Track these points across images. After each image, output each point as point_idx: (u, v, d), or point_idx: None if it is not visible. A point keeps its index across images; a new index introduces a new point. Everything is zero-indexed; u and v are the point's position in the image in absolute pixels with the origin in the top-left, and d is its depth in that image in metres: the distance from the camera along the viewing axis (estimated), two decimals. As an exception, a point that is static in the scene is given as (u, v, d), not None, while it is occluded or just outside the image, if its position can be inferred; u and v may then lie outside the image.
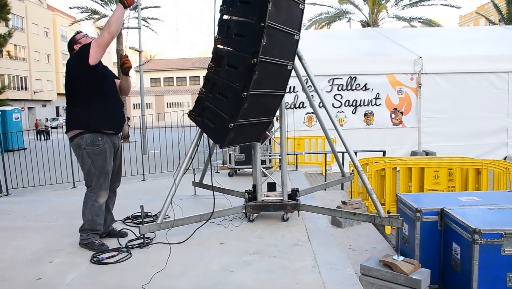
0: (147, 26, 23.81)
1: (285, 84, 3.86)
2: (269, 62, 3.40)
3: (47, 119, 31.30)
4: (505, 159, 9.56)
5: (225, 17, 3.45)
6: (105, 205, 3.63)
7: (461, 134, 9.43)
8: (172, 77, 51.92)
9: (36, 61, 45.04)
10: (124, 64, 3.64)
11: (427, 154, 9.17)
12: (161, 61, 54.61)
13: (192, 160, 3.92)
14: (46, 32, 47.52)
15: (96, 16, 23.52)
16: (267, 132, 4.54)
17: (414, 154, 9.29)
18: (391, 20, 20.49)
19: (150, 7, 23.51)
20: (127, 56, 3.71)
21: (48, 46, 47.71)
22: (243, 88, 3.34)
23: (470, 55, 9.64)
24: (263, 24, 3.17)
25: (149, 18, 23.90)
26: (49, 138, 24.96)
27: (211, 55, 3.58)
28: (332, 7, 20.85)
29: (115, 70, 19.50)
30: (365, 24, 19.99)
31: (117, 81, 3.77)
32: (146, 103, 41.82)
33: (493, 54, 9.73)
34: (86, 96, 3.42)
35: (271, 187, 4.40)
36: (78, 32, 3.71)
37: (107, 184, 3.52)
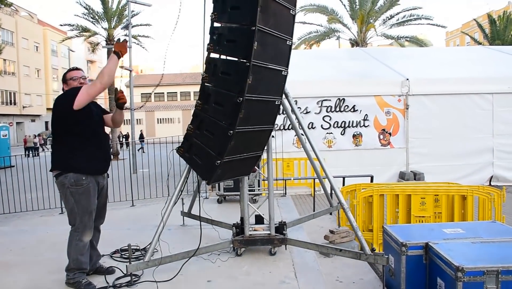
0: (138, 44, 23.89)
1: (273, 119, 3.91)
2: (255, 99, 3.46)
3: (35, 136, 31.01)
4: (491, 178, 9.71)
5: (212, 55, 3.51)
6: (90, 242, 3.63)
7: (449, 154, 9.55)
8: (163, 93, 52.01)
9: (25, 76, 44.85)
10: (119, 100, 3.67)
11: (415, 174, 9.26)
12: (152, 76, 54.66)
13: (182, 191, 3.94)
14: (37, 47, 47.42)
15: (87, 34, 23.56)
16: (255, 166, 4.57)
17: (402, 174, 9.38)
18: (380, 38, 20.76)
19: (141, 25, 23.61)
20: (123, 92, 3.74)
21: (38, 61, 47.57)
22: (229, 126, 3.38)
23: (455, 77, 9.82)
24: (248, 64, 3.22)
25: (139, 35, 24.02)
26: (38, 155, 24.73)
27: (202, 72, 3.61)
28: (321, 26, 21.11)
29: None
30: (354, 43, 20.26)
31: (106, 116, 3.78)
32: (136, 119, 41.83)
33: (477, 76, 9.92)
34: (71, 137, 3.43)
35: (259, 220, 4.43)
36: (71, 69, 3.71)
37: (91, 223, 3.52)
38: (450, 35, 58.72)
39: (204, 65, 3.49)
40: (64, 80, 3.64)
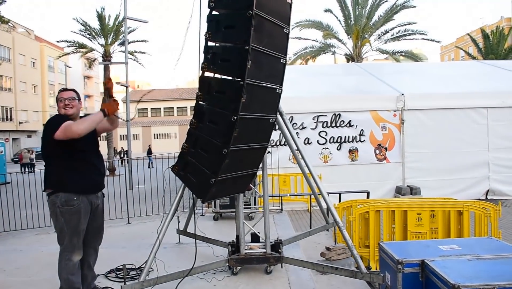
0: (134, 60, 24.02)
1: (268, 137, 3.92)
2: (250, 118, 3.47)
3: (31, 152, 30.89)
4: (487, 192, 9.72)
5: (206, 74, 3.53)
6: (86, 262, 3.60)
7: (445, 169, 9.57)
8: (160, 108, 52.11)
9: (22, 91, 44.91)
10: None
11: (411, 189, 9.26)
12: (149, 91, 54.84)
13: (176, 210, 3.92)
14: (33, 62, 47.59)
15: (84, 50, 23.69)
16: (250, 184, 4.56)
17: (399, 189, 9.38)
18: (375, 53, 21.01)
19: (137, 41, 23.81)
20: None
21: (35, 76, 47.70)
22: (223, 145, 3.38)
23: (450, 92, 9.90)
24: (242, 83, 3.24)
25: (136, 51, 24.14)
26: (34, 171, 24.63)
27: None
28: (317, 41, 21.34)
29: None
30: (349, 58, 20.45)
31: (103, 121, 3.77)
32: (133, 134, 41.91)
33: (472, 91, 10.00)
34: (62, 157, 3.43)
35: (255, 238, 4.41)
36: (61, 90, 3.72)
37: (80, 243, 3.49)
38: (445, 49, 59.32)
39: (199, 84, 3.50)
40: (56, 100, 3.66)
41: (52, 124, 3.45)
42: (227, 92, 3.37)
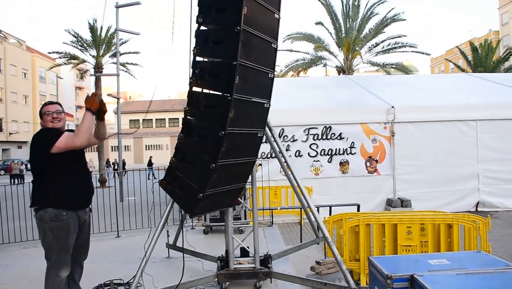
0: (126, 72, 24.01)
1: (256, 151, 3.92)
2: (238, 132, 3.46)
3: (22, 163, 30.61)
4: (477, 204, 9.76)
5: (194, 88, 3.52)
6: (71, 278, 3.54)
7: (435, 181, 9.60)
8: (151, 119, 51.99)
9: (13, 102, 44.65)
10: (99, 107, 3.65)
11: (402, 201, 9.28)
12: (140, 102, 54.76)
13: (167, 222, 3.88)
14: (25, 73, 47.42)
15: (75, 61, 23.63)
16: (239, 199, 4.55)
17: (389, 201, 9.39)
18: (366, 65, 21.19)
19: (129, 52, 23.78)
20: (104, 103, 3.71)
21: (26, 87, 47.50)
22: (211, 160, 3.37)
23: (440, 104, 9.98)
24: (230, 98, 3.24)
25: (127, 63, 24.14)
26: (23, 183, 24.37)
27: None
28: (308, 54, 21.47)
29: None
30: (340, 70, 20.59)
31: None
32: (125, 146, 41.69)
33: (461, 103, 10.10)
34: (50, 173, 3.40)
35: (244, 252, 4.37)
36: (47, 103, 3.69)
37: (68, 259, 3.44)
38: (435, 61, 60.07)
39: (187, 99, 3.50)
40: (40, 114, 3.61)
41: (45, 138, 3.43)
42: (215, 107, 3.36)
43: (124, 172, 26.70)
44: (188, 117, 3.52)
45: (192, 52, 3.42)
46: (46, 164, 3.40)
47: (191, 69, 3.43)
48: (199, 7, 3.39)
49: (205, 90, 3.49)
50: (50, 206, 3.37)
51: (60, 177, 3.41)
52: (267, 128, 3.97)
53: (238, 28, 3.13)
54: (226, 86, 3.23)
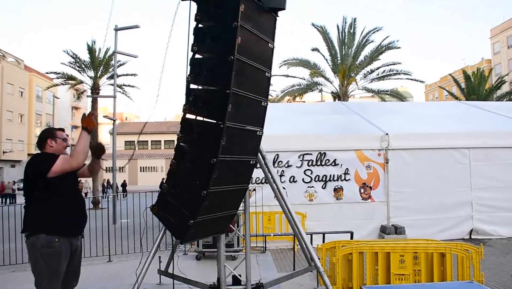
0: (123, 93, 24.14)
1: (248, 178, 3.92)
2: (230, 160, 3.47)
3: (14, 182, 30.36)
4: (471, 231, 9.74)
5: (188, 115, 3.55)
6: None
7: (429, 208, 9.60)
8: (147, 141, 51.93)
9: (8, 120, 44.58)
10: (97, 149, 3.67)
11: (396, 228, 9.24)
12: (136, 124, 54.82)
13: (158, 248, 3.85)
14: (21, 92, 47.52)
15: (73, 82, 23.75)
16: (231, 226, 4.52)
17: (383, 228, 9.35)
18: (361, 91, 21.47)
19: (127, 74, 23.97)
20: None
21: (22, 106, 47.54)
22: (203, 186, 3.36)
23: (433, 132, 10.08)
24: (222, 125, 3.26)
25: (125, 85, 24.29)
26: (15, 203, 24.10)
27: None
28: (304, 79, 21.75)
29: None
30: (335, 96, 20.82)
31: (83, 168, 3.75)
32: (119, 167, 41.40)
33: (454, 131, 10.20)
34: (45, 198, 3.38)
35: (236, 280, 4.33)
36: (60, 129, 3.72)
37: (59, 287, 3.39)
38: (429, 88, 60.89)
39: (180, 126, 3.52)
40: (52, 136, 3.59)
41: (41, 163, 3.42)
42: (207, 135, 3.38)
43: (124, 194, 26.61)
44: (181, 143, 3.54)
45: (186, 80, 3.46)
46: (41, 189, 3.38)
47: (185, 96, 3.46)
48: (194, 35, 3.45)
49: (199, 118, 3.51)
50: (43, 232, 3.34)
51: (54, 203, 3.40)
52: (259, 155, 3.99)
53: (232, 57, 3.18)
54: (219, 114, 3.26)
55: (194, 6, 3.57)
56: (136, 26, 16.56)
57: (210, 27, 3.48)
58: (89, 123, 3.49)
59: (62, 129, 3.77)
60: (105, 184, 34.03)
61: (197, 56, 3.46)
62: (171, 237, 5.46)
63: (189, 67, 3.45)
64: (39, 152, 3.63)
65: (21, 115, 47.55)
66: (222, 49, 3.29)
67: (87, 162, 3.74)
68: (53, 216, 3.37)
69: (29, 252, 3.41)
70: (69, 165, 3.36)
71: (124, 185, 34.16)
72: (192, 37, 3.48)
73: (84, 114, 3.59)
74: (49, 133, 3.64)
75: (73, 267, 3.59)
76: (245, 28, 3.33)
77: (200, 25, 3.46)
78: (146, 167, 46.87)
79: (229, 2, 3.33)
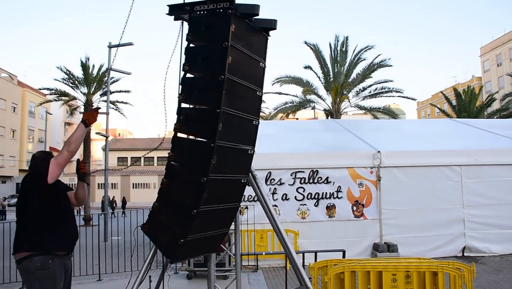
0: (116, 110, 24.12)
1: (239, 197, 3.90)
2: (220, 179, 3.46)
3: (4, 198, 29.99)
4: (463, 249, 9.73)
5: (179, 134, 3.55)
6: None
7: (421, 225, 9.61)
8: (140, 157, 51.53)
9: (0, 136, 44.25)
10: (80, 170, 3.62)
11: (389, 246, 9.22)
12: (129, 140, 54.68)
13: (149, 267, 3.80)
14: (14, 107, 47.33)
15: (66, 98, 23.72)
16: (222, 246, 4.49)
17: (376, 246, 9.32)
18: (354, 109, 21.62)
19: (120, 91, 23.99)
20: (84, 163, 3.71)
21: (15, 121, 47.28)
22: (193, 205, 3.35)
23: (425, 149, 10.14)
24: (212, 144, 3.26)
25: (118, 101, 24.29)
26: (5, 219, 23.78)
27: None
28: (297, 96, 21.87)
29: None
30: (328, 113, 20.94)
31: (70, 193, 3.73)
32: (112, 184, 41.19)
33: (446, 149, 10.27)
34: (39, 214, 3.35)
35: (225, 301, 4.27)
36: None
37: None
38: (421, 105, 61.51)
39: (171, 144, 3.51)
40: (47, 159, 3.55)
41: (38, 173, 3.39)
42: (198, 154, 3.38)
43: (122, 212, 26.35)
44: (171, 162, 3.53)
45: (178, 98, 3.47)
46: (36, 207, 3.34)
47: (176, 115, 3.46)
48: (186, 55, 3.47)
49: (190, 137, 3.52)
50: (37, 252, 3.28)
51: (49, 220, 3.37)
52: (250, 175, 3.98)
53: (222, 76, 3.20)
54: (209, 133, 3.26)
55: (186, 25, 3.61)
56: (130, 44, 16.64)
57: (201, 47, 3.51)
58: (90, 117, 3.53)
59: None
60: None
61: (188, 75, 3.48)
62: (162, 256, 5.40)
63: (180, 86, 3.46)
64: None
65: (13, 131, 47.25)
66: (213, 68, 3.31)
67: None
68: (46, 234, 3.33)
69: (23, 277, 3.36)
70: (62, 157, 3.34)
71: (124, 201, 33.92)
72: (184, 57, 3.50)
73: (89, 108, 3.61)
74: (51, 156, 3.60)
75: (65, 288, 3.54)
76: (236, 48, 3.36)
77: (191, 45, 3.49)
78: (138, 184, 46.52)
79: (220, 22, 3.36)
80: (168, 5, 3.66)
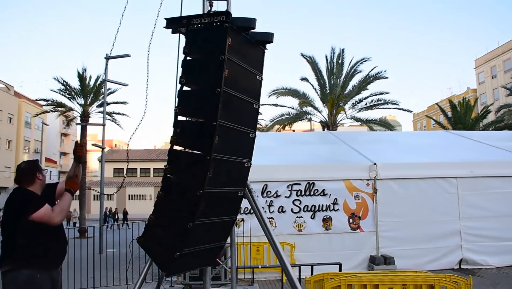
0: (112, 121, 24.11)
1: (236, 210, 3.89)
2: (217, 192, 3.45)
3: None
4: (460, 261, 9.69)
5: (175, 147, 3.54)
6: None
7: (418, 238, 9.57)
8: (136, 168, 51.46)
9: (-5, 147, 44.04)
10: (77, 152, 3.73)
11: (385, 258, 9.17)
12: (126, 151, 54.38)
13: (144, 281, 3.76)
14: (10, 118, 47.15)
15: (62, 109, 23.70)
16: (218, 259, 4.46)
17: (373, 259, 9.28)
18: (350, 121, 21.76)
19: (117, 102, 24.01)
20: (82, 146, 3.76)
21: (11, 132, 47.04)
22: (189, 219, 3.33)
23: (421, 162, 10.16)
24: (208, 157, 3.26)
25: (114, 113, 24.30)
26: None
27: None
28: (293, 108, 21.98)
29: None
30: (324, 125, 21.02)
31: (59, 186, 3.74)
32: (107, 195, 40.71)
33: (442, 161, 10.29)
34: (26, 228, 3.30)
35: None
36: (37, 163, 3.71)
37: None
38: (417, 116, 61.79)
39: (168, 157, 3.51)
40: (33, 173, 3.54)
41: (26, 204, 3.34)
42: (194, 166, 3.38)
43: (123, 223, 26.14)
44: (168, 175, 3.52)
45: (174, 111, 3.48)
46: (24, 225, 3.30)
47: (173, 128, 3.46)
48: (183, 68, 3.48)
49: (186, 149, 3.51)
50: (24, 266, 3.23)
51: (36, 233, 3.32)
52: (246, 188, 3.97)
53: (219, 89, 3.21)
54: (206, 146, 3.26)
55: (183, 38, 3.62)
56: (127, 55, 16.70)
57: (198, 60, 3.53)
58: (73, 185, 3.61)
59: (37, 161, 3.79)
60: (107, 212, 33.49)
61: (185, 88, 3.49)
62: (157, 269, 5.35)
63: (177, 99, 3.47)
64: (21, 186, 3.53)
65: (8, 142, 47.01)
66: (209, 81, 3.32)
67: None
68: (35, 249, 3.29)
69: None
70: (49, 219, 3.35)
71: (125, 213, 33.69)
72: (180, 69, 3.51)
73: (69, 176, 3.64)
74: (37, 167, 3.61)
75: None
76: (232, 61, 3.38)
77: (188, 58, 3.51)
78: (134, 195, 46.24)
79: (217, 35, 3.38)
80: (165, 19, 3.68)
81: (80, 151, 3.69)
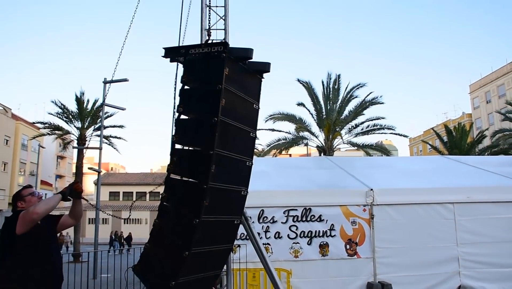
0: (109, 145, 24.12)
1: (232, 239, 3.88)
2: (213, 220, 3.45)
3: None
4: (459, 287, 9.59)
5: (172, 175, 3.56)
6: None
7: (416, 264, 9.47)
8: (132, 192, 51.07)
9: (-9, 169, 43.83)
10: (76, 190, 3.65)
11: (383, 285, 9.08)
12: (122, 174, 54.22)
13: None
14: (7, 140, 47.11)
15: (59, 132, 23.72)
16: (214, 288, 4.42)
17: (370, 285, 9.17)
18: (346, 146, 21.81)
19: (114, 126, 24.08)
20: (77, 181, 3.73)
21: (7, 154, 46.92)
22: (185, 247, 3.32)
23: (417, 187, 10.14)
24: (205, 186, 3.27)
25: (111, 136, 24.32)
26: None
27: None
28: (290, 133, 22.04)
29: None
30: (321, 150, 21.07)
31: (63, 219, 3.70)
32: (103, 219, 40.53)
33: (438, 186, 10.27)
34: (19, 259, 3.28)
35: None
36: (25, 187, 3.69)
37: None
38: (413, 141, 62.08)
39: (164, 186, 3.52)
40: (21, 197, 3.55)
41: (14, 219, 3.35)
42: (190, 195, 3.39)
43: (129, 249, 25.74)
44: (164, 203, 3.52)
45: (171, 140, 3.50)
46: (15, 248, 3.28)
47: (170, 156, 3.48)
48: (180, 97, 3.53)
49: (183, 177, 3.53)
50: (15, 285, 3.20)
51: (29, 264, 3.29)
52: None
53: (216, 119, 3.25)
54: (202, 175, 3.28)
55: (181, 67, 3.68)
56: (125, 80, 16.82)
57: (195, 89, 3.58)
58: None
59: (29, 186, 3.75)
60: (113, 235, 33.07)
61: (182, 116, 3.53)
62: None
63: (174, 127, 3.50)
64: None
65: (4, 164, 46.83)
66: (206, 110, 3.37)
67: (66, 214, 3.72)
68: (26, 279, 3.25)
69: None
70: (28, 214, 3.30)
71: (129, 238, 33.25)
72: (178, 98, 3.56)
73: (71, 185, 3.63)
74: (17, 197, 3.63)
75: None
76: (229, 90, 3.43)
77: (186, 87, 3.56)
78: (130, 219, 45.75)
79: (214, 65, 3.44)
80: (164, 48, 3.74)
81: (78, 187, 3.66)
